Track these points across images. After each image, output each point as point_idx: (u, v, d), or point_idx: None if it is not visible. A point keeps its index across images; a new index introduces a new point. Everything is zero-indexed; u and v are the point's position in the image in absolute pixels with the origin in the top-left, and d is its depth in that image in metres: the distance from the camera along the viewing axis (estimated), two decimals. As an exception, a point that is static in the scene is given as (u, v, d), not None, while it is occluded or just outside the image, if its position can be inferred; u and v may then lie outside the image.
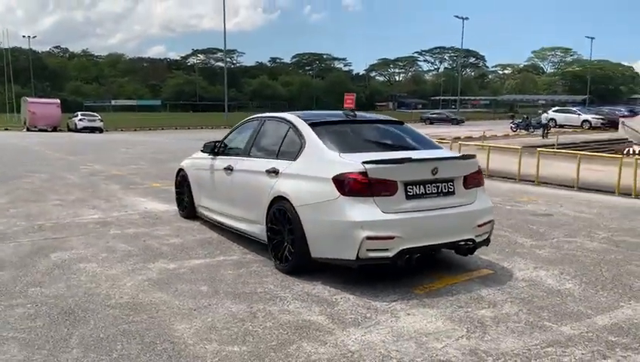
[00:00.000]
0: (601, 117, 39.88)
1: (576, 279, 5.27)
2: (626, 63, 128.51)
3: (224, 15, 52.29)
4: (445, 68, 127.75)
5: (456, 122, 52.58)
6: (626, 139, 31.90)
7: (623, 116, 39.43)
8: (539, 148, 16.90)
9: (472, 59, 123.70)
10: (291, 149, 5.56)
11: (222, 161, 6.68)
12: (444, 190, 5.02)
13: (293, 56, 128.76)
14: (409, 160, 4.85)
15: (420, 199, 4.89)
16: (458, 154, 5.94)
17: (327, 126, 5.60)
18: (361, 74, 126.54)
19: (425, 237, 4.84)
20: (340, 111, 6.43)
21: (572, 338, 3.94)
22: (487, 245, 5.47)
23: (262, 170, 5.71)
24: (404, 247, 4.70)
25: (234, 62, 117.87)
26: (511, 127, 37.58)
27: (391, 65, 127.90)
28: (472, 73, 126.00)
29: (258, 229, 5.84)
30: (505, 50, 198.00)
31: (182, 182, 7.92)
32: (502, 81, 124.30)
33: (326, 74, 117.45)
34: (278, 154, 5.74)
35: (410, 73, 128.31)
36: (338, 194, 4.73)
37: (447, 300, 4.67)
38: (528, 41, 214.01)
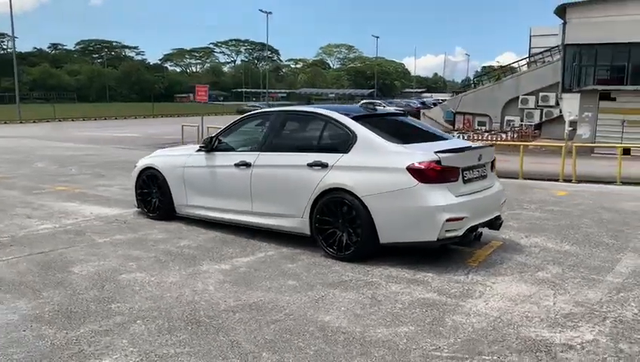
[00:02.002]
0: (402, 109, 44.73)
1: (565, 242, 6.45)
2: (397, 60, 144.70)
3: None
4: (242, 60, 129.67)
5: None
6: (428, 127, 36.47)
7: (418, 108, 44.93)
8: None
9: (267, 53, 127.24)
10: (337, 142, 5.76)
11: (227, 157, 6.51)
12: (482, 174, 5.76)
13: (78, 43, 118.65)
14: (469, 148, 5.48)
15: (471, 183, 5.55)
16: (488, 143, 6.70)
17: (366, 119, 5.92)
18: (152, 63, 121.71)
19: (480, 215, 5.52)
20: (357, 105, 6.74)
21: (625, 285, 4.98)
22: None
23: (301, 164, 5.80)
24: (470, 226, 5.33)
25: (3, 47, 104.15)
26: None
27: (187, 56, 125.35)
28: (267, 66, 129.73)
29: (295, 223, 5.92)
30: (296, 45, 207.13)
31: (149, 183, 7.41)
32: (295, 75, 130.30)
33: (118, 63, 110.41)
34: (317, 148, 5.87)
35: (207, 64, 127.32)
36: (416, 182, 5.15)
37: (503, 268, 5.42)
38: (317, 37, 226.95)
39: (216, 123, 27.28)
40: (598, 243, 6.42)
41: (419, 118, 40.58)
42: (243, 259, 5.68)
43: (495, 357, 3.57)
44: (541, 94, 31.21)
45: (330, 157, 5.66)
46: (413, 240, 5.28)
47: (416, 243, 5.31)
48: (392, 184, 5.26)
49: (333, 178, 5.58)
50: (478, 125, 33.90)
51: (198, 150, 6.88)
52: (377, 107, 7.00)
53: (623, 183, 12.82)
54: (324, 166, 5.66)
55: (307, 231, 5.85)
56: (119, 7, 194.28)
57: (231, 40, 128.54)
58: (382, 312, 4.29)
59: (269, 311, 4.30)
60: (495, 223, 5.90)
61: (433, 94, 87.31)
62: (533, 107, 31.57)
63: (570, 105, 24.35)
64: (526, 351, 3.65)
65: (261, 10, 69.24)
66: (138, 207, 7.67)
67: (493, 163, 6.04)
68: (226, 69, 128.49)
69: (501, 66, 36.05)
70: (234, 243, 6.25)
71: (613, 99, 20.56)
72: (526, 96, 31.69)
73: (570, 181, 13.07)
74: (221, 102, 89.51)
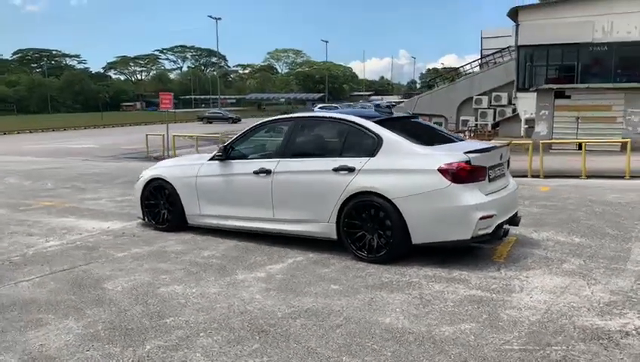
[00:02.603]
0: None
1: (573, 234, 6.73)
2: (344, 64, 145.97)
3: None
4: (188, 67, 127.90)
5: (234, 120, 53.33)
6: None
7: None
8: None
9: (214, 59, 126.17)
10: (361, 147, 5.83)
11: (244, 165, 6.48)
12: (502, 172, 5.96)
13: (15, 52, 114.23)
14: (494, 148, 5.66)
15: (494, 181, 5.74)
16: (505, 143, 6.88)
17: (388, 123, 6.01)
18: (95, 72, 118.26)
19: (505, 212, 5.71)
20: (371, 110, 6.83)
21: (647, 272, 5.27)
22: None
23: (326, 169, 5.84)
24: (498, 222, 5.51)
25: None
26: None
27: (131, 64, 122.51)
28: (215, 72, 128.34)
29: (320, 227, 5.96)
30: (243, 50, 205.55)
31: (156, 194, 7.27)
32: (244, 81, 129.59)
33: (59, 72, 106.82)
34: (341, 153, 5.93)
35: (152, 72, 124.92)
36: (448, 182, 5.28)
37: (529, 263, 5.62)
38: (263, 42, 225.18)
39: (178, 130, 26.94)
40: (604, 234, 6.74)
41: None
42: (275, 266, 5.66)
43: (564, 347, 3.72)
44: (494, 94, 32.30)
45: (356, 162, 5.73)
46: (447, 239, 5.41)
47: (450, 242, 5.44)
48: (423, 185, 5.38)
49: (361, 182, 5.64)
50: (435, 126, 34.66)
51: (211, 159, 6.81)
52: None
53: (588, 177, 13.38)
54: (350, 170, 5.72)
55: (333, 236, 5.90)
56: (58, 14, 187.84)
57: (176, 46, 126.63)
58: (437, 311, 4.39)
59: (327, 316, 4.33)
60: (514, 219, 6.11)
61: (383, 97, 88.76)
62: (486, 106, 32.60)
63: (526, 104, 25.30)
64: (589, 340, 3.83)
65: (210, 17, 68.54)
66: (144, 219, 7.50)
67: (508, 161, 6.25)
68: (172, 75, 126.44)
69: (454, 68, 37.08)
70: (257, 251, 6.22)
71: (568, 97, 21.46)
72: (479, 97, 32.69)
73: (537, 176, 13.60)
74: (173, 110, 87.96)
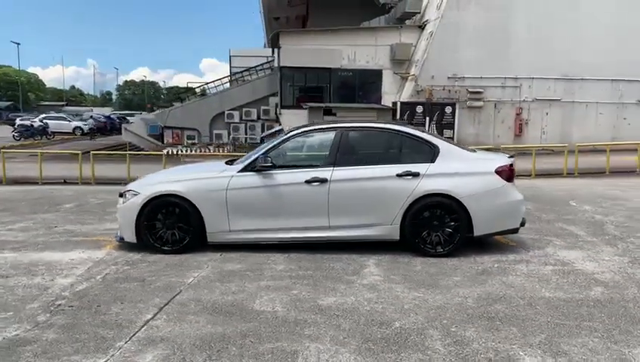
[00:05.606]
0: (86, 124, 41.69)
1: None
2: (24, 69, 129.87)
3: None
4: None
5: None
6: (130, 142, 35.44)
7: (105, 123, 42.95)
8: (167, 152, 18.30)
9: None
10: (419, 154, 6.43)
11: (290, 175, 6.40)
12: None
13: None
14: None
15: (509, 181, 7.04)
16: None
17: (427, 133, 6.77)
18: None
19: None
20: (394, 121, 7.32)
21: (609, 240, 7.21)
22: None
23: (389, 175, 6.31)
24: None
25: None
26: (14, 135, 34.72)
27: None
28: None
29: (383, 230, 6.38)
30: None
31: (159, 212, 6.46)
32: None
33: None
34: (398, 160, 6.44)
35: None
36: (503, 182, 6.38)
37: (534, 244, 7.06)
38: None
39: None
40: (531, 220, 8.65)
41: (104, 134, 39.13)
42: (371, 269, 5.89)
43: (674, 292, 5.21)
44: (244, 109, 34.24)
45: (420, 167, 6.35)
46: (503, 228, 6.49)
47: (504, 231, 6.54)
48: (485, 185, 6.35)
49: (428, 185, 6.28)
50: (188, 139, 34.83)
51: (243, 170, 6.45)
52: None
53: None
54: (415, 175, 6.30)
55: (396, 236, 6.39)
56: None
57: None
58: (563, 284, 5.41)
59: (504, 300, 4.96)
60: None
61: (93, 108, 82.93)
62: (238, 121, 34.30)
63: (290, 120, 27.64)
64: (674, 285, 5.41)
65: None
66: (137, 242, 6.53)
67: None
68: None
69: (204, 84, 37.68)
70: (324, 260, 6.21)
71: (334, 114, 24.48)
72: (231, 111, 34.18)
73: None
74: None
